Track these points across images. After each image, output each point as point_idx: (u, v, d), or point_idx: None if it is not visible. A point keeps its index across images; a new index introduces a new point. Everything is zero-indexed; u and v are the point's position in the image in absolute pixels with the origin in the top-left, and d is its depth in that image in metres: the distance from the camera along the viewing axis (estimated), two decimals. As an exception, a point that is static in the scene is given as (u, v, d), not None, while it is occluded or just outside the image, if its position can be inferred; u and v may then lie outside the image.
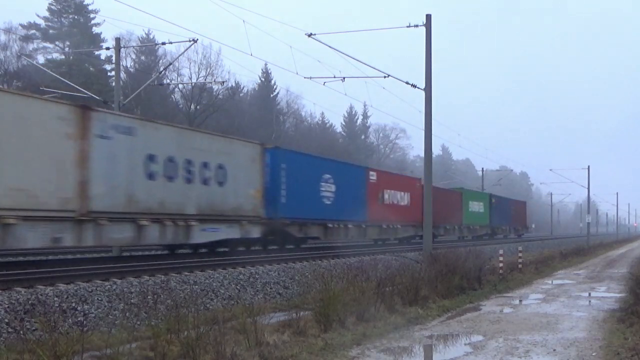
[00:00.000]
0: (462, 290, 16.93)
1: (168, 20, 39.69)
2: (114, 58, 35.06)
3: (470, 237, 47.71)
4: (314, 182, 26.12)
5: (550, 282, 21.88)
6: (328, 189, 27.01)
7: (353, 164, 34.33)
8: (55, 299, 10.76)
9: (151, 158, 17.34)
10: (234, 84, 67.15)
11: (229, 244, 21.65)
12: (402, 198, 35.26)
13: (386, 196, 33.02)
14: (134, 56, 61.48)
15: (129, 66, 60.16)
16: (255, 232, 21.83)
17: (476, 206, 49.93)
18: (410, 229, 36.06)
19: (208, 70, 60.47)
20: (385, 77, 24.69)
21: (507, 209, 60.23)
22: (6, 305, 10.09)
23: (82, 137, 15.26)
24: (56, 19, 57.28)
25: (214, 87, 60.71)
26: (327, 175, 27.04)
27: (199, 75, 60.06)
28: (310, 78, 26.41)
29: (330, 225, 26.93)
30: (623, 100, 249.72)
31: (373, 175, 31.96)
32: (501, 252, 21.81)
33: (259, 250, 24.91)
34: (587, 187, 63.25)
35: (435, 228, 38.46)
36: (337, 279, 12.43)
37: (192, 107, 61.30)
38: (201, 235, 19.19)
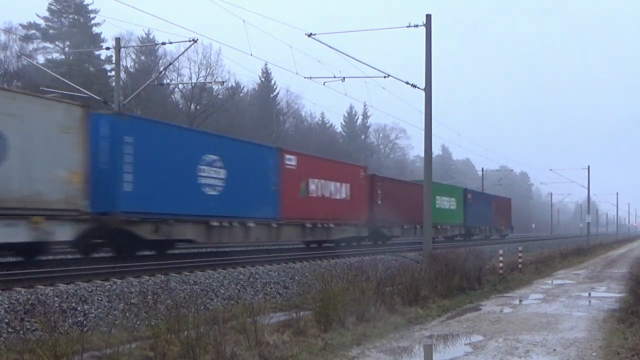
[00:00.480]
0: (462, 290, 16.93)
1: (168, 20, 39.73)
2: (114, 58, 35.11)
3: (442, 239, 41.83)
4: (188, 164, 19.56)
5: (550, 282, 21.88)
6: (213, 175, 20.38)
7: (256, 143, 27.48)
8: (55, 299, 10.76)
9: None
10: (234, 84, 67.33)
11: (10, 250, 15.66)
12: (338, 190, 28.47)
13: (313, 187, 26.40)
14: (134, 56, 61.57)
15: (129, 66, 60.22)
16: (65, 234, 15.52)
17: (446, 202, 43.10)
18: (350, 229, 29.34)
19: (208, 70, 60.61)
20: (385, 77, 24.72)
21: (487, 206, 53.86)
22: (6, 305, 10.10)
23: None
24: (56, 19, 57.33)
25: (214, 87, 60.83)
26: (213, 157, 20.40)
27: (199, 75, 60.20)
28: (310, 78, 26.45)
29: (215, 223, 20.33)
30: (623, 100, 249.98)
31: (291, 160, 25.12)
32: (501, 252, 21.82)
33: (258, 250, 24.78)
34: (587, 187, 63.37)
35: (387, 228, 33.76)
36: (337, 279, 12.43)
37: (192, 107, 61.33)
38: None
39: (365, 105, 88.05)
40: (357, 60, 24.18)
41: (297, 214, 24.94)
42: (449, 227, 43.73)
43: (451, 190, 47.58)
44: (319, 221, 26.60)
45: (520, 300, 16.45)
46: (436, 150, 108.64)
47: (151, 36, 59.40)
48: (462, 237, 46.62)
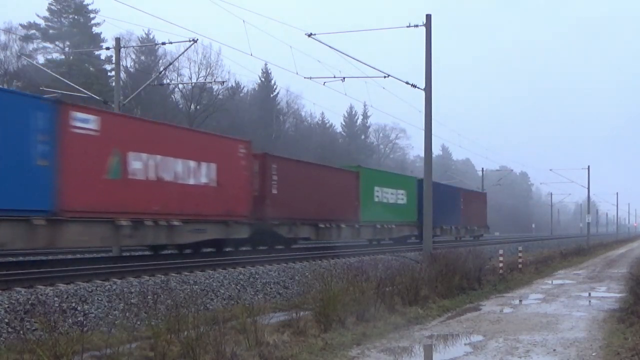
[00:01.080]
0: (462, 290, 16.94)
1: (168, 20, 39.63)
2: (114, 58, 35.06)
3: (388, 240, 34.73)
4: None
5: (550, 282, 21.88)
6: None
7: None
8: (55, 299, 10.76)
9: None
10: (234, 84, 67.39)
11: None
12: (195, 172, 19.80)
13: (137, 165, 17.78)
14: (134, 56, 61.59)
15: (129, 66, 60.23)
16: None
17: (390, 195, 33.95)
18: (214, 229, 20.80)
19: (208, 70, 60.65)
20: (385, 77, 24.76)
21: (453, 202, 43.26)
22: (6, 305, 10.10)
23: None
24: (56, 19, 57.32)
25: (214, 87, 60.88)
26: None
27: (199, 75, 60.24)
28: (310, 78, 26.48)
29: None
30: (623, 100, 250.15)
31: (88, 122, 16.33)
32: (501, 252, 21.87)
33: (259, 250, 24.83)
34: (587, 187, 63.44)
35: (288, 228, 24.82)
36: (337, 279, 12.43)
37: (192, 107, 61.36)
38: None
39: (365, 105, 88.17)
40: (357, 60, 24.24)
41: (99, 205, 16.55)
42: (394, 226, 33.97)
43: (399, 180, 37.21)
44: (149, 217, 18.00)
45: (520, 300, 16.45)
46: (436, 150, 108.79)
47: (151, 36, 59.43)
48: (416, 238, 36.30)
